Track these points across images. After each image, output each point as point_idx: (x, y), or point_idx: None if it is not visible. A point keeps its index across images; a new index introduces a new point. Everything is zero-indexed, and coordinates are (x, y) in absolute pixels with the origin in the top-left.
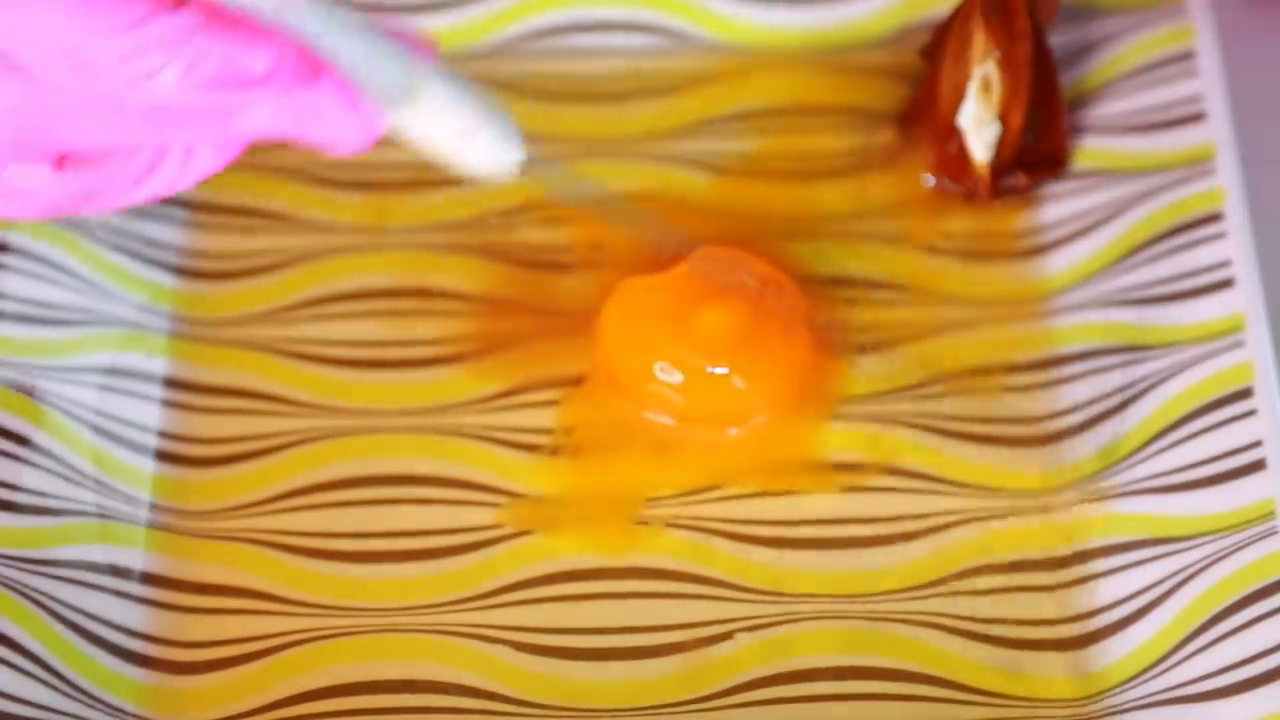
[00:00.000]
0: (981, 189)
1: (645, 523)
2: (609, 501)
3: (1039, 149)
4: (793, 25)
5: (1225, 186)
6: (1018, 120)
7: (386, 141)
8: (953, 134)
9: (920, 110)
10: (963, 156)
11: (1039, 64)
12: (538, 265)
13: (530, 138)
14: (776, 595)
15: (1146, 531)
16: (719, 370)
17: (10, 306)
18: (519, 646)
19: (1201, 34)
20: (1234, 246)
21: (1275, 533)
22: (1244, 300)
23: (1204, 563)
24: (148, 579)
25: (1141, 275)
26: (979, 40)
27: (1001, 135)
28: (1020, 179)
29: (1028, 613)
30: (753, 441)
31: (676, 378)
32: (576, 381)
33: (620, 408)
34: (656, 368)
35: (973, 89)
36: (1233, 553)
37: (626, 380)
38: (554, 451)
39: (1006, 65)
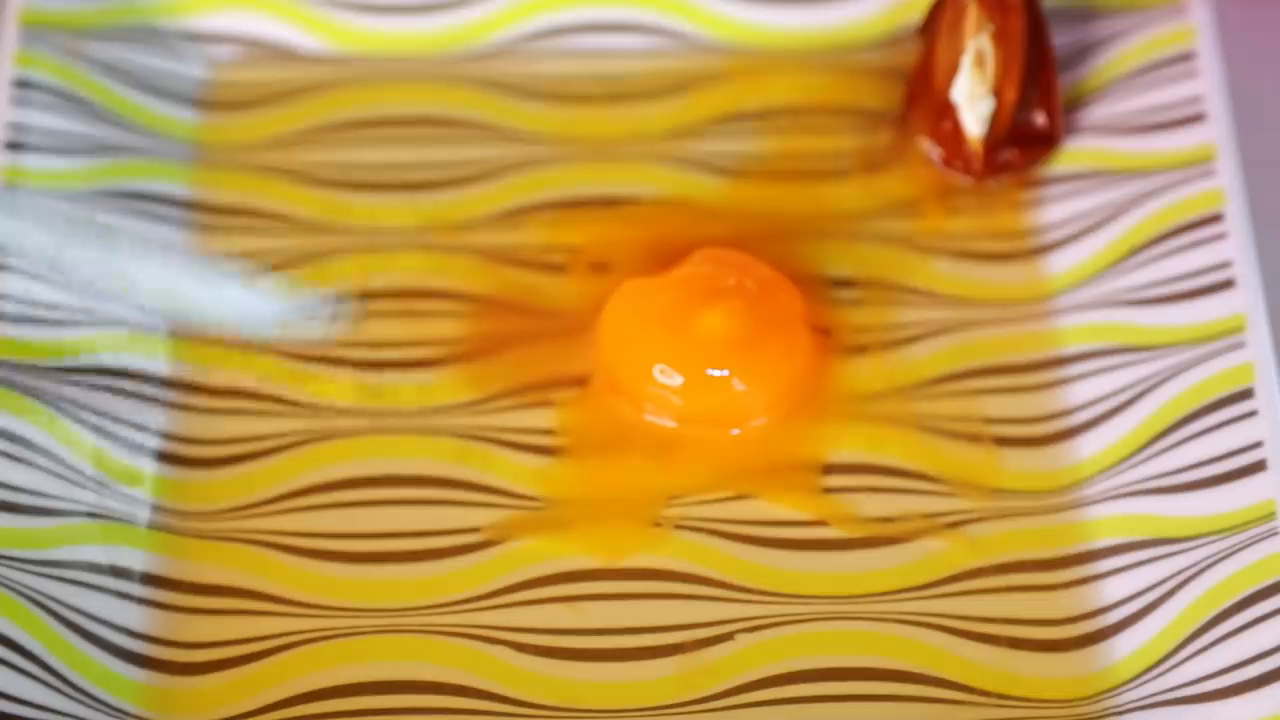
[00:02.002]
0: (975, 165)
1: (652, 524)
2: (610, 504)
3: (1032, 125)
4: (793, 25)
5: (1225, 187)
6: (1012, 95)
7: (386, 141)
8: (947, 110)
9: (917, 88)
10: (957, 133)
11: (1033, 38)
12: (538, 267)
13: (531, 138)
14: (776, 595)
15: (1147, 532)
16: (719, 373)
17: (10, 306)
18: (520, 647)
19: (1201, 34)
20: (1234, 247)
21: (1276, 533)
22: (1244, 301)
23: (1205, 563)
24: (148, 580)
25: (1142, 276)
26: (973, 13)
27: (995, 110)
28: (1014, 154)
29: (1028, 613)
30: (754, 443)
31: (676, 380)
32: (576, 383)
33: (620, 410)
34: (656, 370)
35: (966, 63)
36: (1234, 554)
37: (626, 383)
38: (555, 453)
39: (1000, 39)
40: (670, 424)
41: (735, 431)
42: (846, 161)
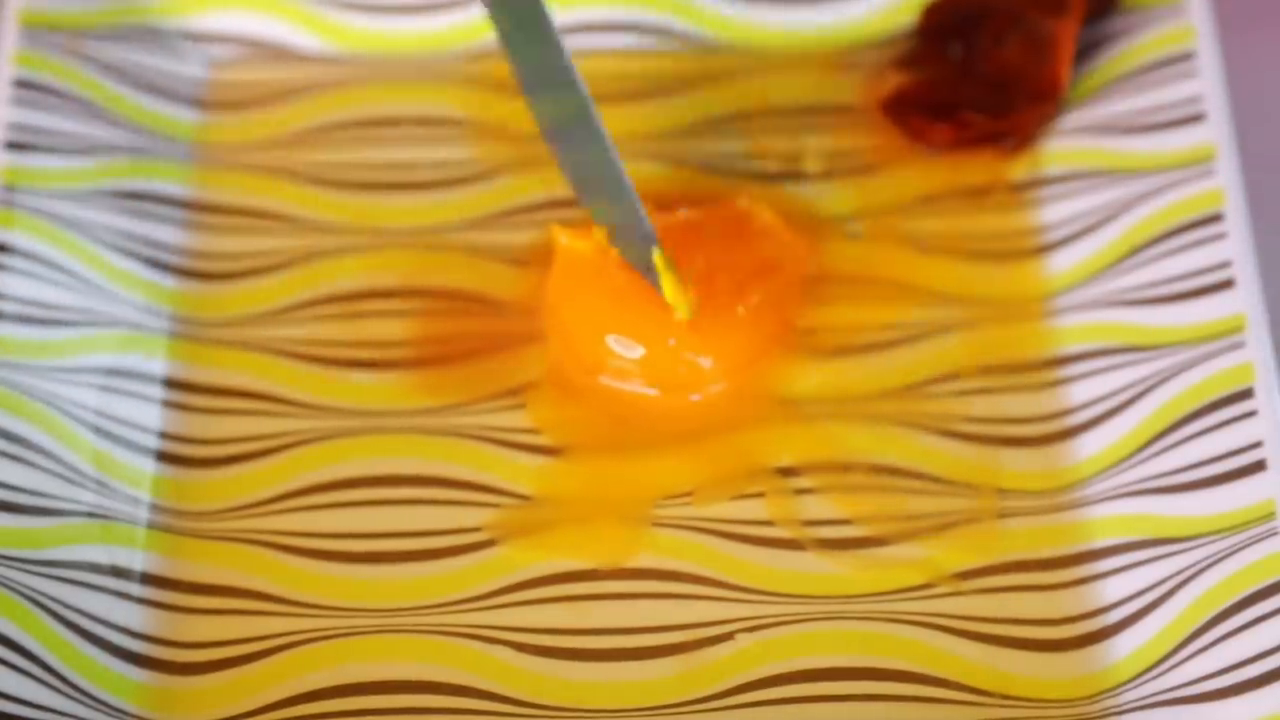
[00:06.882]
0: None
1: (652, 524)
2: (607, 503)
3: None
4: (793, 25)
5: (1225, 187)
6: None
7: (386, 141)
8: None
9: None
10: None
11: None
12: (538, 266)
13: (531, 137)
14: (776, 595)
15: (1147, 532)
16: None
17: (10, 307)
18: (519, 647)
19: (1201, 34)
20: (1234, 247)
21: (1276, 533)
22: (1244, 301)
23: (1205, 563)
24: (148, 579)
25: (1142, 276)
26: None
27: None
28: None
29: (1028, 613)
30: (754, 443)
31: (631, 348)
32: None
33: (600, 398)
34: (608, 339)
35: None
36: (1233, 553)
37: (582, 351)
38: (553, 452)
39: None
40: (633, 388)
41: (696, 396)
42: (846, 161)
